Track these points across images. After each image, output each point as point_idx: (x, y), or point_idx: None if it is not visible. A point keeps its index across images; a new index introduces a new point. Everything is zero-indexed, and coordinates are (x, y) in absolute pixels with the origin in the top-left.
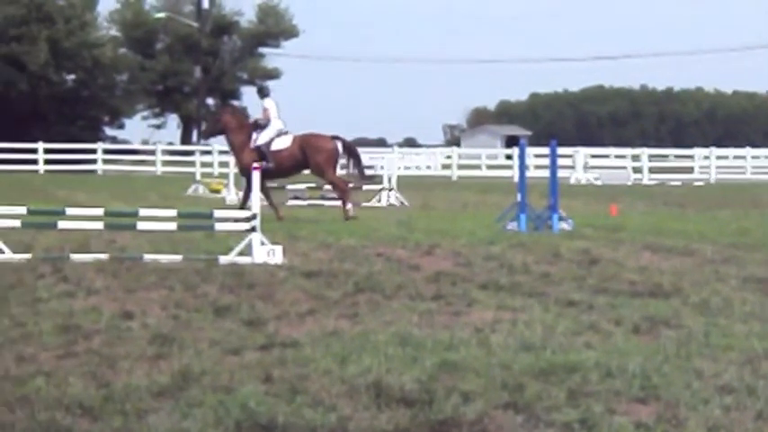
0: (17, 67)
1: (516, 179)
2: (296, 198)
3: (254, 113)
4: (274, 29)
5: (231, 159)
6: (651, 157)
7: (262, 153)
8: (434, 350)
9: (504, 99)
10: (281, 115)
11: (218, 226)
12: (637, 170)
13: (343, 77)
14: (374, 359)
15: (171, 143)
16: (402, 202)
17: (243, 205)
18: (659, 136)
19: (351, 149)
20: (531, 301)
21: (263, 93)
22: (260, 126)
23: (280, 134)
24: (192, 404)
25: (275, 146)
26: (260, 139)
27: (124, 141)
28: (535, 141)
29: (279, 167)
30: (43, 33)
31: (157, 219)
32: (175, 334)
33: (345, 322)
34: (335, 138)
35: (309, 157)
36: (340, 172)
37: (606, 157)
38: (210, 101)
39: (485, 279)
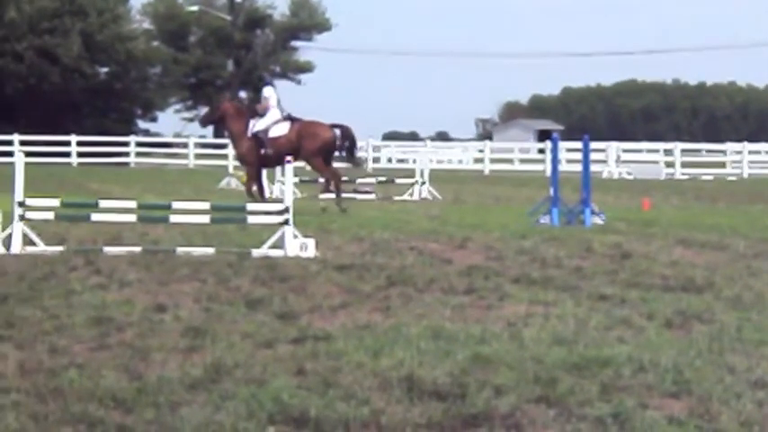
0: (50, 59)
1: (549, 173)
2: (328, 191)
3: (286, 106)
4: (307, 22)
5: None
6: (683, 151)
7: (259, 140)
8: (467, 344)
9: (536, 93)
10: (281, 105)
11: (251, 219)
12: (669, 164)
13: (376, 71)
14: (407, 353)
15: (203, 136)
16: (434, 196)
17: (261, 196)
18: (692, 130)
19: (349, 136)
20: (563, 295)
21: (263, 82)
22: (259, 115)
23: (277, 122)
24: (224, 397)
25: (273, 132)
26: (257, 125)
27: (157, 134)
28: (567, 136)
29: (277, 154)
30: (76, 26)
31: (190, 212)
32: (208, 326)
33: (378, 315)
34: (335, 126)
35: (303, 142)
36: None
37: (638, 151)
38: (243, 94)
39: (517, 273)
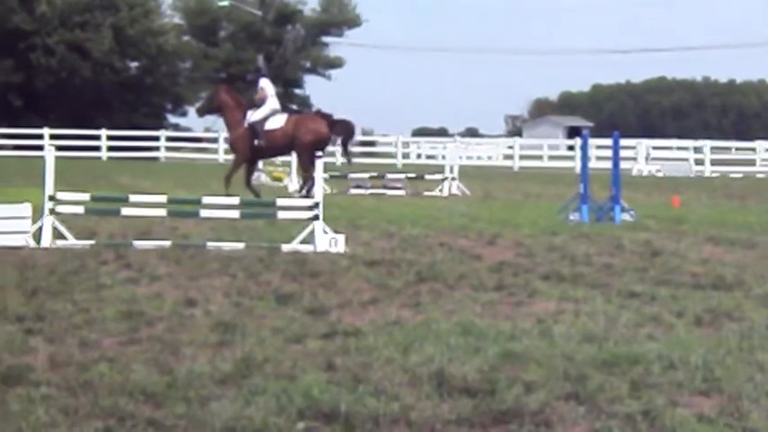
0: (81, 54)
1: (578, 170)
2: (358, 187)
3: (316, 102)
4: (337, 18)
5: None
6: (713, 149)
7: (255, 130)
8: (497, 340)
9: (566, 90)
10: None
11: (281, 214)
12: (699, 162)
13: (406, 67)
14: (436, 348)
15: None
16: (464, 192)
17: (248, 182)
18: (721, 128)
19: (349, 130)
20: (593, 292)
21: (258, 73)
22: (256, 105)
23: (274, 113)
24: (254, 392)
25: (269, 125)
26: (254, 116)
27: (187, 129)
28: (597, 133)
29: (271, 146)
30: (107, 20)
31: (220, 206)
32: (238, 321)
33: (408, 311)
34: (337, 120)
35: (300, 137)
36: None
37: (668, 148)
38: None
39: (547, 270)
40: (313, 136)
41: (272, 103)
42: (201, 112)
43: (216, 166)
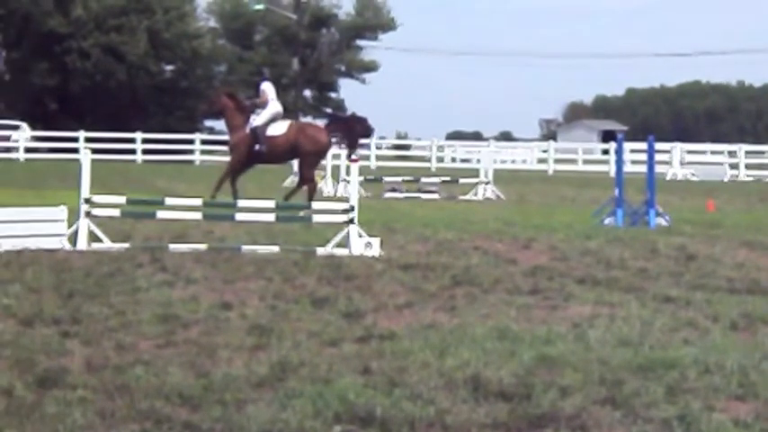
0: (116, 57)
1: (613, 174)
2: (393, 190)
3: (351, 106)
4: (372, 21)
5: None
6: (748, 153)
7: (256, 135)
8: (532, 344)
9: (600, 94)
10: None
11: (316, 218)
12: (733, 166)
13: (440, 70)
14: (472, 353)
15: None
16: (498, 196)
17: (216, 188)
18: (756, 132)
19: (365, 128)
20: (628, 296)
21: (260, 77)
22: (258, 108)
23: (276, 117)
24: (290, 395)
25: (271, 131)
26: (257, 120)
27: (221, 132)
28: (631, 136)
29: (271, 152)
30: (143, 24)
31: (255, 210)
32: (274, 325)
33: (443, 315)
34: (355, 118)
35: (302, 145)
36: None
37: (703, 152)
38: (308, 93)
39: (582, 274)
40: (313, 145)
41: (274, 106)
42: (202, 116)
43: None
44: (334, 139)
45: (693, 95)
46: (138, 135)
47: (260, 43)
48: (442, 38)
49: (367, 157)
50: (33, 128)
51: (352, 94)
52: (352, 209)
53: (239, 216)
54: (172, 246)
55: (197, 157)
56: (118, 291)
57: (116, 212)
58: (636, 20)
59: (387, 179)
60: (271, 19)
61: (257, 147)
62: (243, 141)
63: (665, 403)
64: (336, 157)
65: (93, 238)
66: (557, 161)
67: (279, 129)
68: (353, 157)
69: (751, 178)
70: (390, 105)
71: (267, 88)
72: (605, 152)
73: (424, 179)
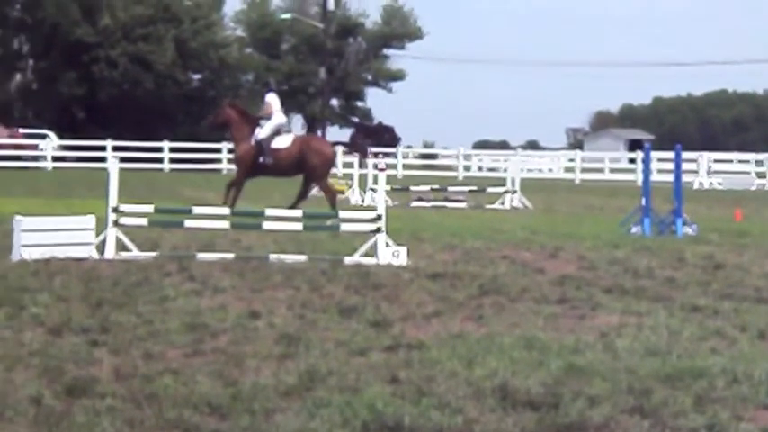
0: (144, 66)
1: (640, 183)
2: (420, 199)
3: (377, 115)
4: (399, 30)
5: (355, 160)
6: None
7: (261, 148)
8: (560, 354)
9: (627, 103)
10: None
11: (344, 227)
12: (760, 175)
13: (467, 79)
14: (500, 362)
15: None
16: (525, 205)
17: (234, 198)
18: None
19: (361, 149)
20: (656, 305)
21: (266, 88)
22: (263, 120)
23: (281, 130)
24: (319, 404)
25: (276, 144)
26: (262, 132)
27: None
28: (658, 145)
29: (276, 165)
30: (170, 33)
31: (283, 219)
32: (301, 334)
33: (471, 324)
34: (337, 144)
35: (307, 159)
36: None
37: (729, 161)
38: (335, 102)
39: (609, 283)
40: (319, 158)
41: (278, 118)
42: (209, 127)
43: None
44: (343, 149)
45: (720, 104)
46: (166, 144)
47: (287, 52)
48: (469, 47)
49: (394, 167)
50: (61, 137)
51: (378, 104)
52: (379, 218)
53: (267, 225)
54: (199, 255)
55: (224, 166)
56: (146, 300)
57: (144, 221)
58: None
59: (414, 188)
60: (298, 28)
61: (262, 159)
62: (248, 154)
63: (694, 413)
64: (363, 166)
65: (121, 247)
66: (584, 170)
67: (284, 142)
68: (380, 166)
69: None
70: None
71: (272, 100)
72: (632, 161)
73: (451, 188)
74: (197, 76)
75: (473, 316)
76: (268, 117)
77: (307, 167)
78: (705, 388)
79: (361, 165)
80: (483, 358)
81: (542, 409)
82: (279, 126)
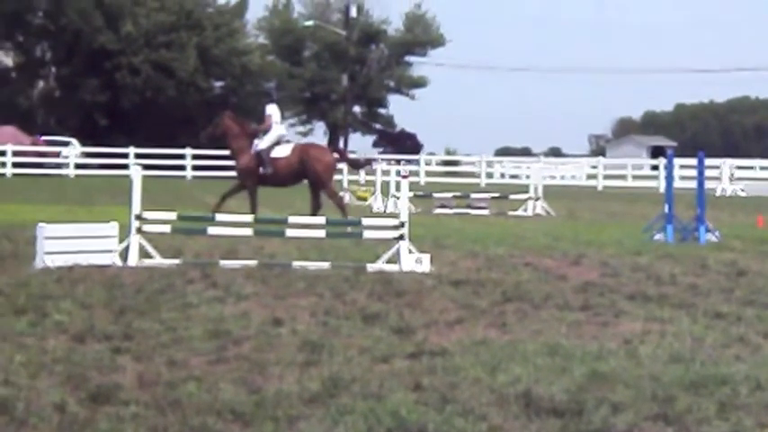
0: (166, 73)
1: (662, 190)
2: (442, 206)
3: (400, 122)
4: (421, 37)
5: (378, 167)
6: None
7: (261, 158)
8: (583, 361)
9: (649, 109)
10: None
11: (367, 234)
12: None
13: (489, 86)
14: (523, 369)
15: None
16: (548, 212)
17: (253, 210)
18: None
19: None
20: (679, 312)
21: (267, 99)
22: (262, 132)
23: (281, 141)
24: (342, 411)
25: (275, 153)
26: (261, 143)
27: None
28: (680, 152)
29: (276, 175)
30: (192, 40)
31: (306, 226)
32: (325, 341)
33: (494, 331)
34: (335, 151)
35: (309, 167)
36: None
37: (752, 168)
38: (357, 108)
39: (632, 290)
40: (319, 164)
41: (278, 129)
42: (206, 139)
43: (300, 186)
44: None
45: (742, 111)
46: (188, 151)
47: (309, 59)
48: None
49: (416, 173)
50: (84, 144)
51: (401, 110)
52: (402, 225)
53: (290, 232)
54: (222, 262)
55: None
56: (169, 307)
57: (167, 228)
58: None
59: (436, 195)
60: (320, 35)
61: (262, 170)
62: (249, 165)
63: (718, 420)
64: (386, 173)
65: (144, 254)
66: (606, 177)
67: (283, 151)
68: (403, 173)
69: None
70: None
71: (272, 111)
72: (654, 168)
73: (473, 195)
74: (219, 83)
75: (496, 323)
76: (267, 130)
77: (309, 175)
78: (729, 395)
79: (357, 170)
80: (506, 365)
81: (566, 416)
82: (278, 138)
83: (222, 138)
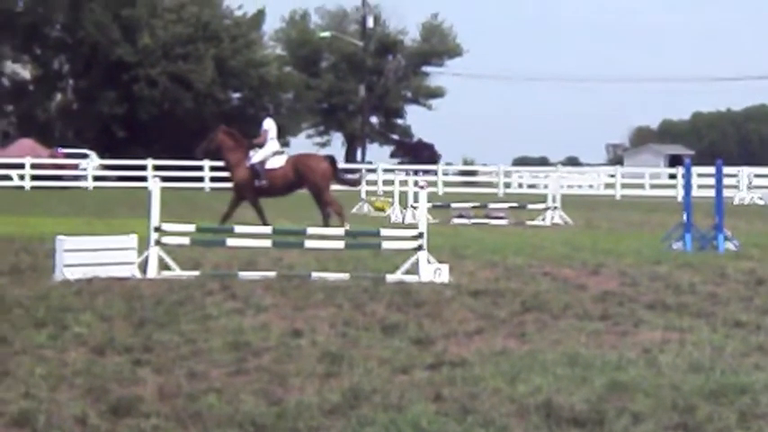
0: (184, 85)
1: (680, 198)
2: (460, 216)
3: (417, 132)
4: (438, 48)
5: (396, 178)
6: None
7: (256, 171)
8: (603, 370)
9: (666, 118)
10: (277, 136)
11: (385, 244)
12: None
13: (506, 96)
14: (543, 379)
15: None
16: (566, 221)
17: (224, 220)
18: None
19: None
20: (698, 321)
21: (264, 113)
22: (258, 146)
23: (275, 154)
24: (363, 423)
25: (270, 165)
26: (255, 157)
27: None
28: (698, 161)
29: (272, 186)
30: (210, 52)
31: (325, 237)
32: (344, 352)
33: (513, 341)
34: (328, 157)
35: (304, 176)
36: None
37: None
38: (374, 119)
39: (651, 299)
40: (315, 172)
41: (272, 145)
42: (201, 154)
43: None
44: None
45: (760, 119)
46: (206, 163)
47: (326, 70)
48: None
49: (434, 184)
50: (102, 156)
51: (418, 121)
52: (421, 235)
53: (308, 243)
54: (241, 273)
55: None
56: (188, 319)
57: (186, 240)
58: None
59: (454, 205)
60: (337, 46)
61: (257, 182)
62: (245, 179)
63: (738, 429)
64: (404, 183)
65: (163, 266)
66: (624, 186)
67: (278, 162)
68: (421, 183)
69: None
70: (456, 131)
71: (269, 126)
72: (672, 176)
73: (491, 205)
74: (237, 95)
75: (515, 333)
76: (263, 144)
77: (306, 185)
78: (749, 404)
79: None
80: (526, 375)
81: (587, 426)
82: (273, 153)
83: (217, 152)
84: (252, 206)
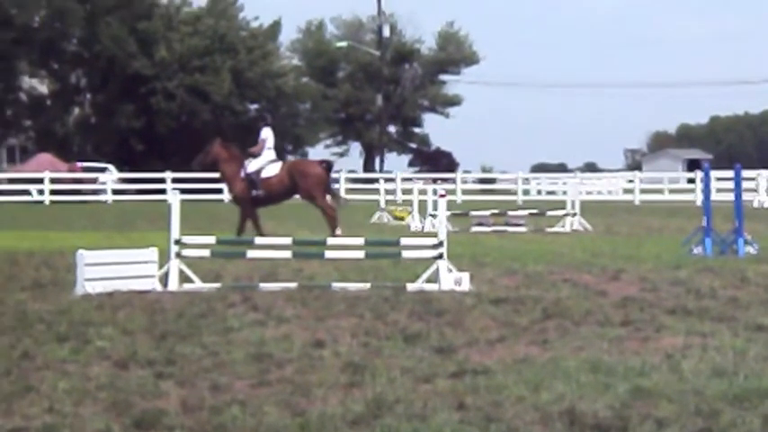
0: (201, 97)
1: (699, 203)
2: (480, 224)
3: (435, 140)
4: (455, 56)
5: (415, 187)
6: None
7: (252, 181)
8: (626, 376)
9: (684, 122)
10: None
11: (405, 253)
12: None
13: (524, 103)
14: (566, 386)
15: (353, 171)
16: (585, 228)
17: (239, 233)
18: None
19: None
20: (720, 326)
21: (262, 122)
22: (254, 156)
23: (270, 162)
24: None
25: (265, 173)
26: (250, 166)
27: None
28: (716, 165)
29: (269, 194)
30: (226, 64)
31: (345, 247)
32: (367, 362)
33: (535, 349)
34: (323, 162)
35: (298, 182)
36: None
37: None
38: (392, 128)
39: (672, 304)
40: (309, 177)
41: (268, 155)
42: (198, 166)
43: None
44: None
45: None
46: None
47: (343, 80)
48: (525, 70)
49: (453, 192)
50: (120, 170)
51: (436, 129)
52: (441, 244)
53: (329, 254)
54: (262, 285)
55: None
56: (210, 331)
57: (206, 253)
58: (718, 47)
59: (474, 213)
60: (354, 56)
61: (254, 192)
62: (243, 190)
63: None
64: (423, 192)
65: (184, 278)
66: (643, 191)
67: (273, 170)
68: (440, 192)
69: None
70: (474, 139)
71: (267, 135)
72: (691, 181)
73: (510, 212)
74: (254, 106)
75: (537, 340)
76: (259, 153)
77: (301, 190)
78: None
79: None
80: (549, 383)
81: None
82: (268, 161)
83: (213, 164)
84: (250, 220)
